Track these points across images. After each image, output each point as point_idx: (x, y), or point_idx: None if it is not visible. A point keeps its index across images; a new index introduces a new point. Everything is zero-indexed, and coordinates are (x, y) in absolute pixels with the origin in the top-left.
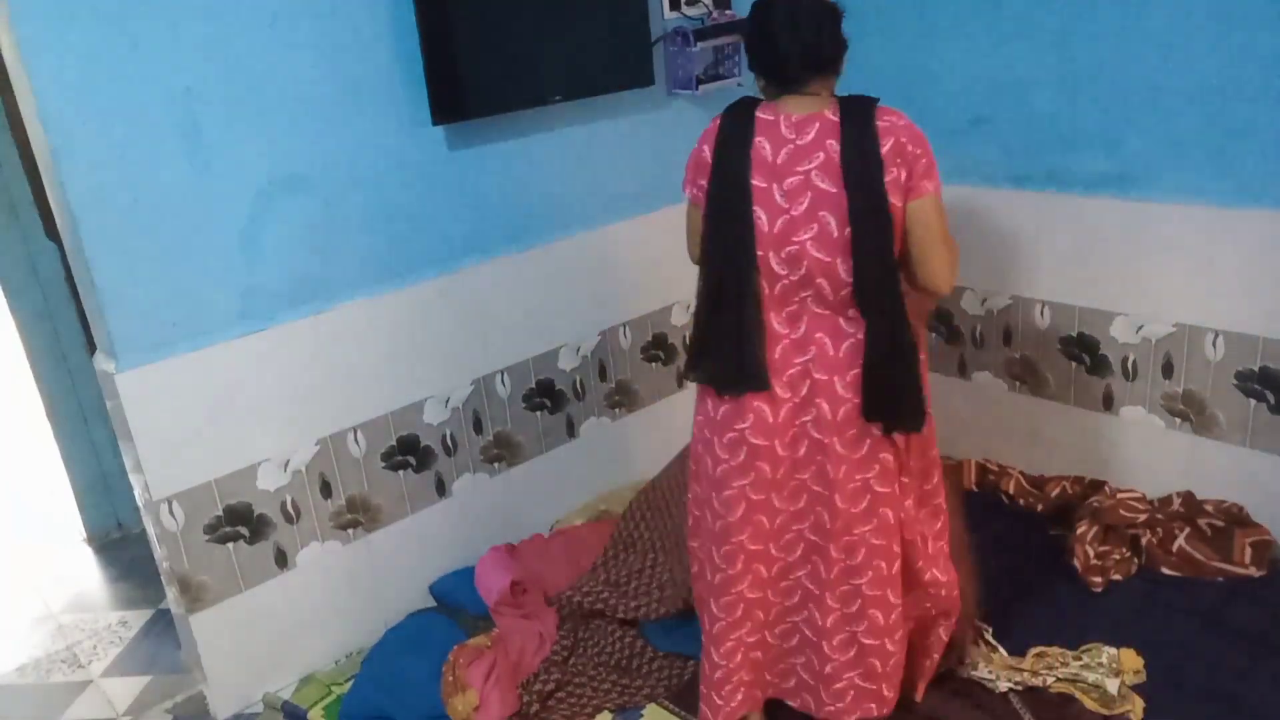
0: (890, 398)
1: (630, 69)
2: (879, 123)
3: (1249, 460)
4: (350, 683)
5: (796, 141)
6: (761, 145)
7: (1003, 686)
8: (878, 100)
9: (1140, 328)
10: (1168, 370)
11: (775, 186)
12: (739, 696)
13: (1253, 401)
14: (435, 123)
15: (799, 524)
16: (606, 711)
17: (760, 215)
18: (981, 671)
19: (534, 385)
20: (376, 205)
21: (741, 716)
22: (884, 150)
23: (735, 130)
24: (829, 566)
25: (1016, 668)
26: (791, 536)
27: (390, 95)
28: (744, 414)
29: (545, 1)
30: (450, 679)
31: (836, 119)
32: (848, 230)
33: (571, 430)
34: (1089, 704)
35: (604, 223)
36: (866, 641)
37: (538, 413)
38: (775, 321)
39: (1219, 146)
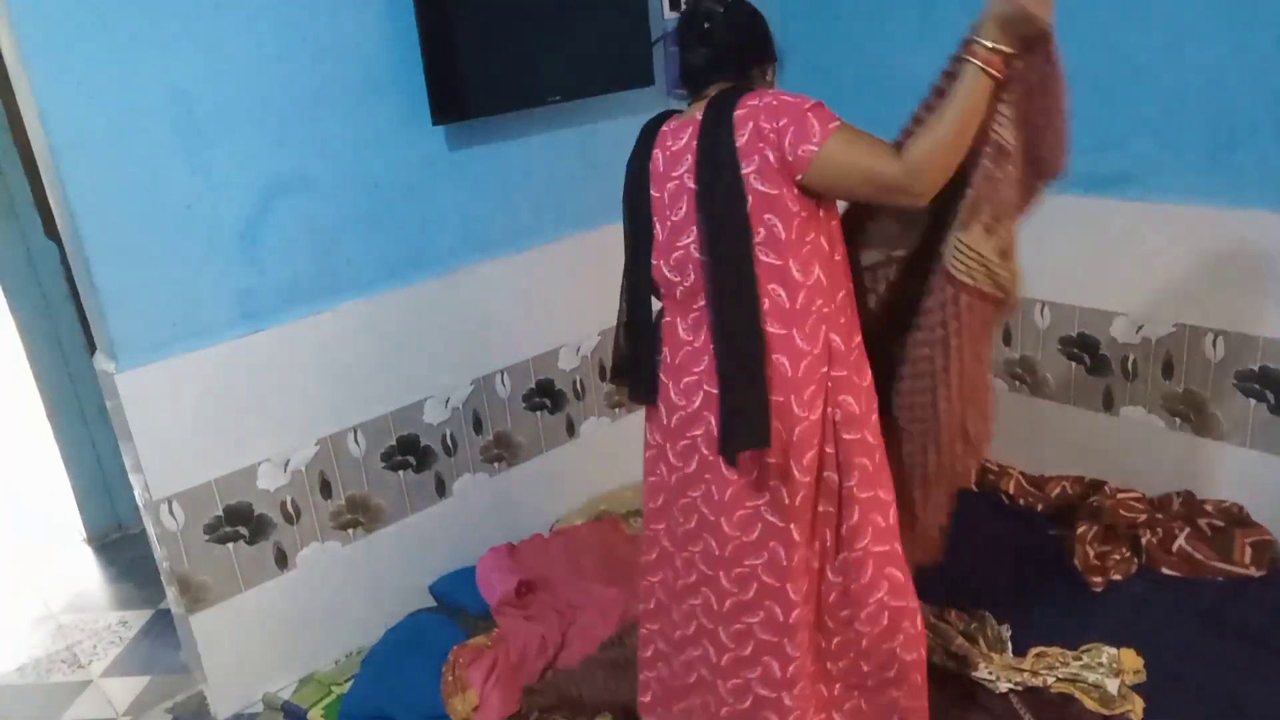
0: (724, 413)
1: (630, 69)
2: (737, 111)
3: (1249, 460)
4: (350, 683)
5: (672, 147)
6: (656, 157)
7: (1003, 687)
8: (746, 89)
9: (1140, 328)
10: (1168, 370)
11: (664, 194)
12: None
13: (1253, 401)
14: (435, 123)
15: (692, 546)
16: (607, 713)
17: (655, 224)
18: (982, 672)
19: (534, 385)
20: (376, 205)
21: None
22: (742, 141)
23: (639, 144)
24: (720, 599)
25: (1017, 668)
26: (686, 557)
27: (390, 95)
28: (651, 414)
29: (545, 1)
30: (450, 679)
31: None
32: None
33: (571, 430)
34: (1089, 704)
35: (604, 223)
36: (760, 692)
37: (538, 413)
38: (680, 327)
39: (1219, 146)
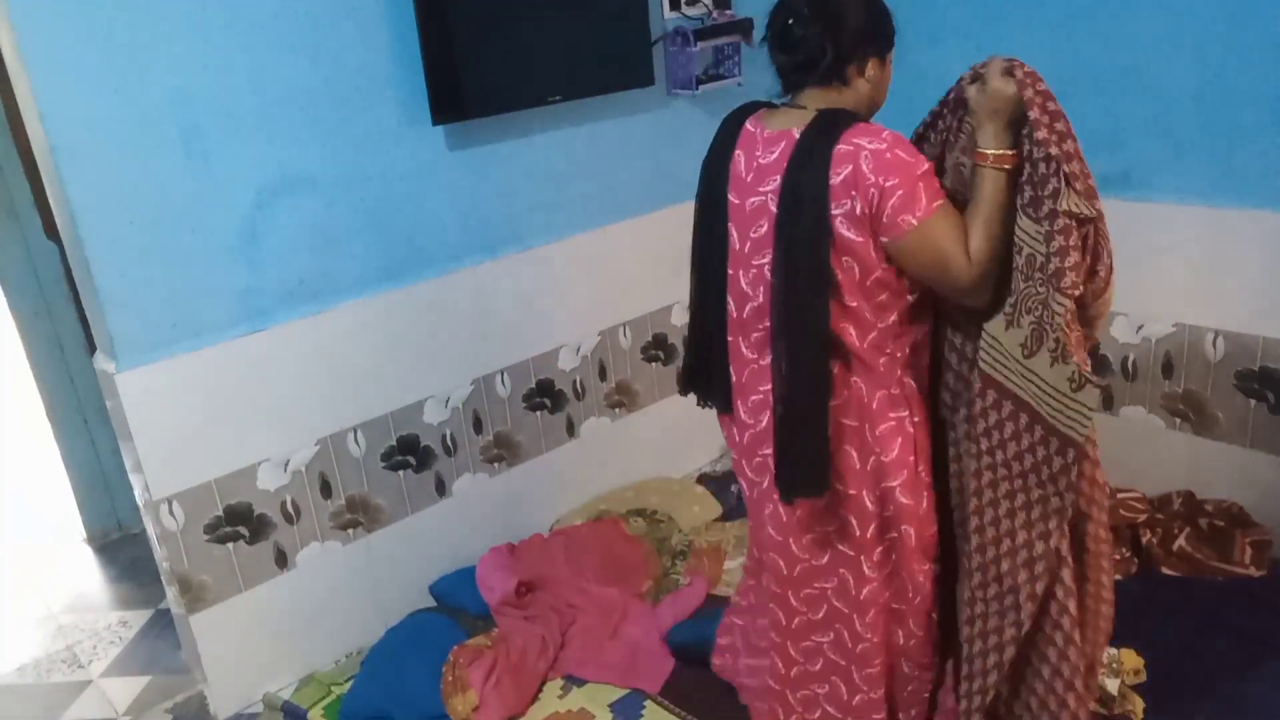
0: (779, 455)
1: (630, 69)
2: (840, 146)
3: (1249, 460)
4: (350, 683)
5: (761, 160)
6: (738, 159)
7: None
8: (855, 118)
9: (1140, 328)
10: (1168, 370)
11: (745, 205)
12: None
13: (1253, 401)
14: (435, 123)
15: (762, 571)
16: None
17: (733, 232)
18: None
19: (534, 385)
20: (377, 205)
21: None
22: (836, 180)
23: (720, 140)
24: (789, 616)
25: None
26: (755, 581)
27: (390, 95)
28: (724, 423)
29: (545, 1)
30: (450, 679)
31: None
32: None
33: (571, 430)
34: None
35: (604, 223)
36: (828, 709)
37: (538, 413)
38: (743, 345)
39: (1219, 147)
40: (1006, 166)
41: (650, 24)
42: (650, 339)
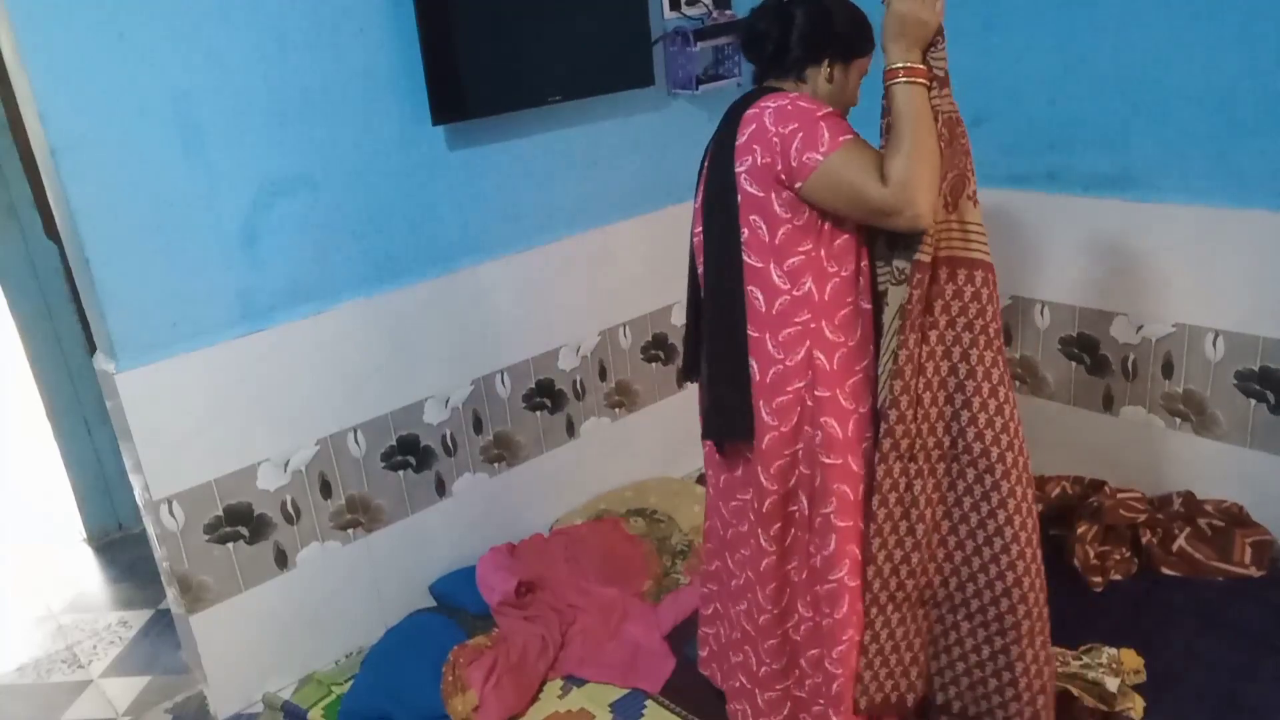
0: (710, 403)
1: (630, 69)
2: (749, 110)
3: (1249, 460)
4: (350, 683)
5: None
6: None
7: None
8: (772, 89)
9: (1140, 328)
10: (1168, 370)
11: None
12: None
13: (1253, 401)
14: (435, 123)
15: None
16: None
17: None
18: None
19: (534, 385)
20: (377, 205)
21: None
22: (741, 139)
23: (715, 132)
24: (729, 577)
25: None
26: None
27: (390, 95)
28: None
29: (545, 1)
30: (450, 679)
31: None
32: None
33: (571, 430)
34: (1089, 701)
35: (604, 223)
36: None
37: (538, 413)
38: None
39: (1219, 146)
40: (918, 80)
41: (650, 24)
42: (650, 339)
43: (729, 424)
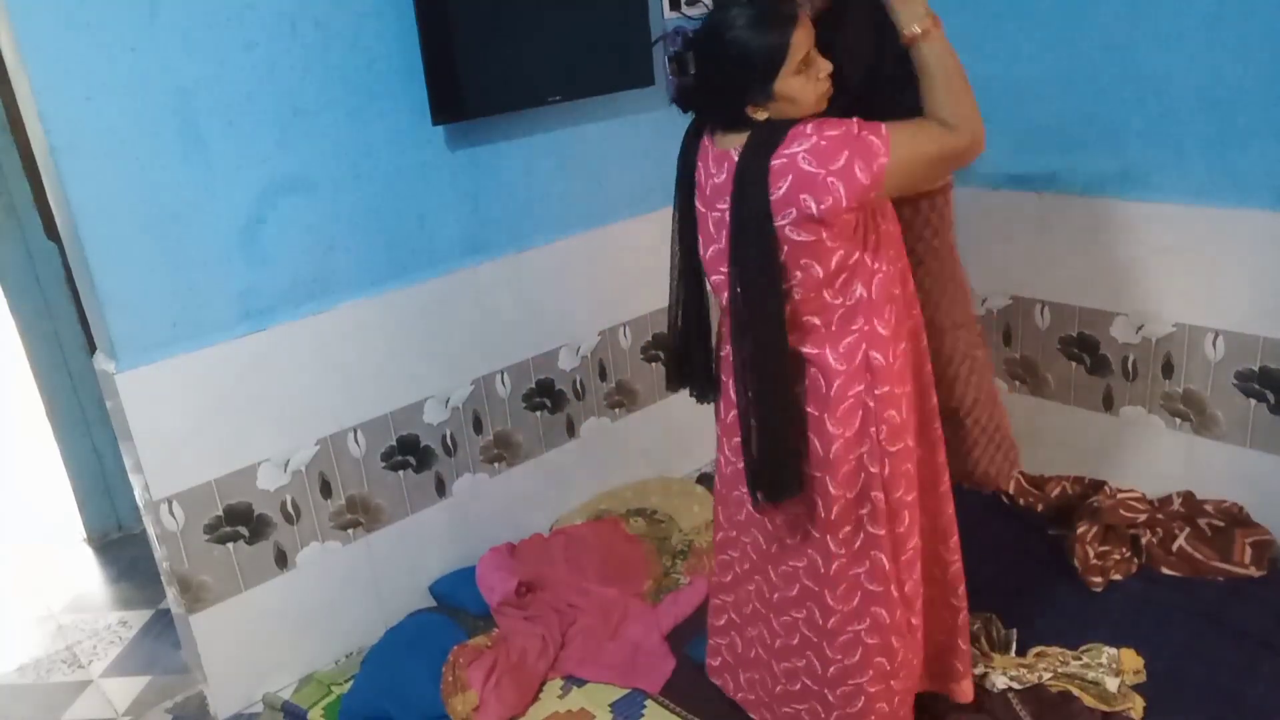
0: (752, 463)
1: (630, 69)
2: (774, 162)
3: (1249, 460)
4: (350, 683)
5: (715, 179)
6: (699, 170)
7: (1000, 683)
8: (782, 130)
9: (1140, 328)
10: (1168, 370)
11: (709, 218)
12: None
13: (1253, 401)
14: (435, 123)
15: (745, 537)
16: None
17: (701, 239)
18: (980, 669)
19: (534, 385)
20: (376, 205)
21: None
22: (777, 195)
23: (683, 152)
24: (770, 589)
25: (1016, 665)
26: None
27: (390, 95)
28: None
29: (545, 1)
30: (450, 679)
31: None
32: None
33: (571, 430)
34: (1088, 701)
35: (604, 223)
36: (806, 681)
37: (538, 413)
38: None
39: (1219, 146)
40: (935, 35)
41: (650, 24)
42: (650, 339)
43: (788, 482)
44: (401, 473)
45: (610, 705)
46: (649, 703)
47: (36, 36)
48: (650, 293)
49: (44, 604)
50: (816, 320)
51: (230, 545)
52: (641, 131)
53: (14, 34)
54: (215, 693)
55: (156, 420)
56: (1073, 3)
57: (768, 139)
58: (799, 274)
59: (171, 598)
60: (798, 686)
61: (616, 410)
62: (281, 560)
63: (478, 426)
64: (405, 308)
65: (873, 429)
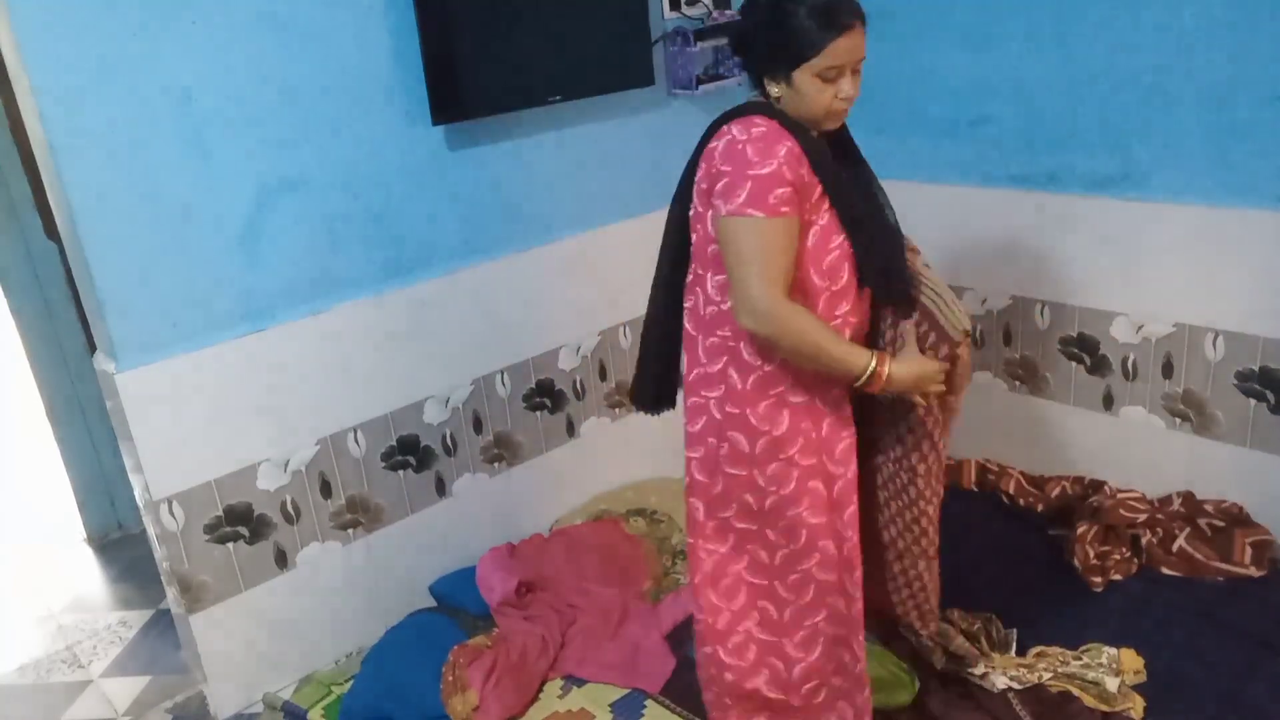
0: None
1: (630, 69)
2: (722, 127)
3: (1249, 460)
4: (350, 683)
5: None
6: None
7: (1000, 683)
8: (765, 110)
9: (1140, 328)
10: (1168, 370)
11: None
12: None
13: (1253, 401)
14: (435, 123)
15: None
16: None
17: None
18: (980, 669)
19: (534, 385)
20: (376, 205)
21: None
22: (701, 169)
23: (693, 156)
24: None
25: (1016, 665)
26: None
27: (390, 95)
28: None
29: (545, 1)
30: (450, 679)
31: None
32: None
33: (571, 430)
34: (1088, 700)
35: (604, 223)
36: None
37: (538, 413)
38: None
39: (1219, 146)
40: (874, 388)
41: (650, 24)
42: None
43: (659, 395)
44: (401, 473)
45: (610, 705)
46: (649, 703)
47: (36, 36)
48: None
49: (44, 604)
50: (700, 300)
51: (230, 545)
52: (641, 131)
53: (14, 34)
54: (215, 693)
55: (156, 420)
56: (1073, 3)
57: (742, 109)
58: (694, 237)
59: (171, 598)
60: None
61: (616, 410)
62: (281, 560)
63: (478, 426)
64: (405, 308)
65: (714, 439)
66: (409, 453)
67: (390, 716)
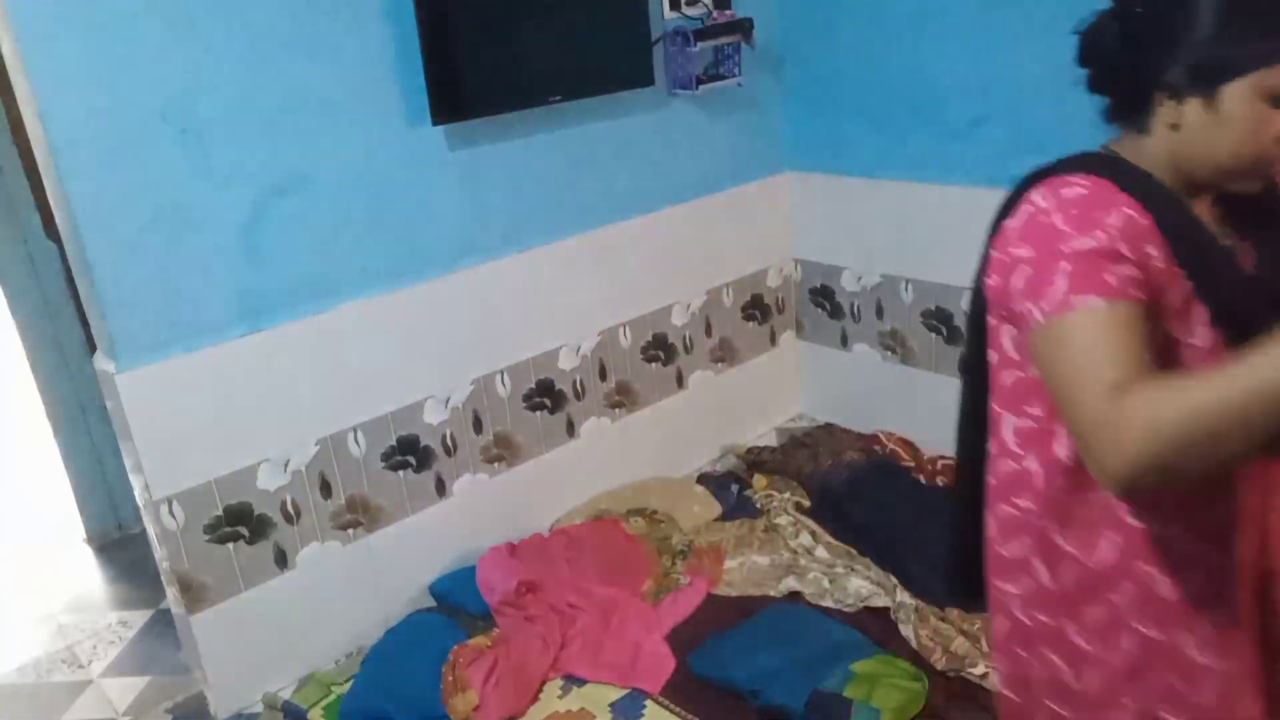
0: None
1: (630, 69)
2: (1021, 204)
3: None
4: (350, 683)
5: None
6: None
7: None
8: (1054, 170)
9: None
10: None
11: None
12: None
13: None
14: (435, 123)
15: None
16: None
17: None
18: (981, 669)
19: (534, 385)
20: (376, 205)
21: None
22: (992, 259)
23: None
24: None
25: None
26: None
27: (390, 95)
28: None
29: (545, 2)
30: (450, 679)
31: None
32: None
33: (571, 430)
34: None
35: (603, 223)
36: None
37: (538, 413)
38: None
39: None
40: None
41: (650, 24)
42: (650, 339)
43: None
44: (401, 473)
45: (610, 705)
46: (649, 703)
47: (36, 36)
48: (650, 293)
49: (44, 604)
50: (995, 438)
51: (230, 545)
52: (641, 131)
53: (14, 34)
54: (215, 693)
55: (156, 420)
56: (1073, 3)
57: (1059, 166)
58: (995, 357)
59: (171, 598)
60: None
61: (616, 410)
62: (281, 560)
63: (478, 426)
64: (405, 308)
65: (1018, 649)
66: (409, 453)
67: (390, 716)
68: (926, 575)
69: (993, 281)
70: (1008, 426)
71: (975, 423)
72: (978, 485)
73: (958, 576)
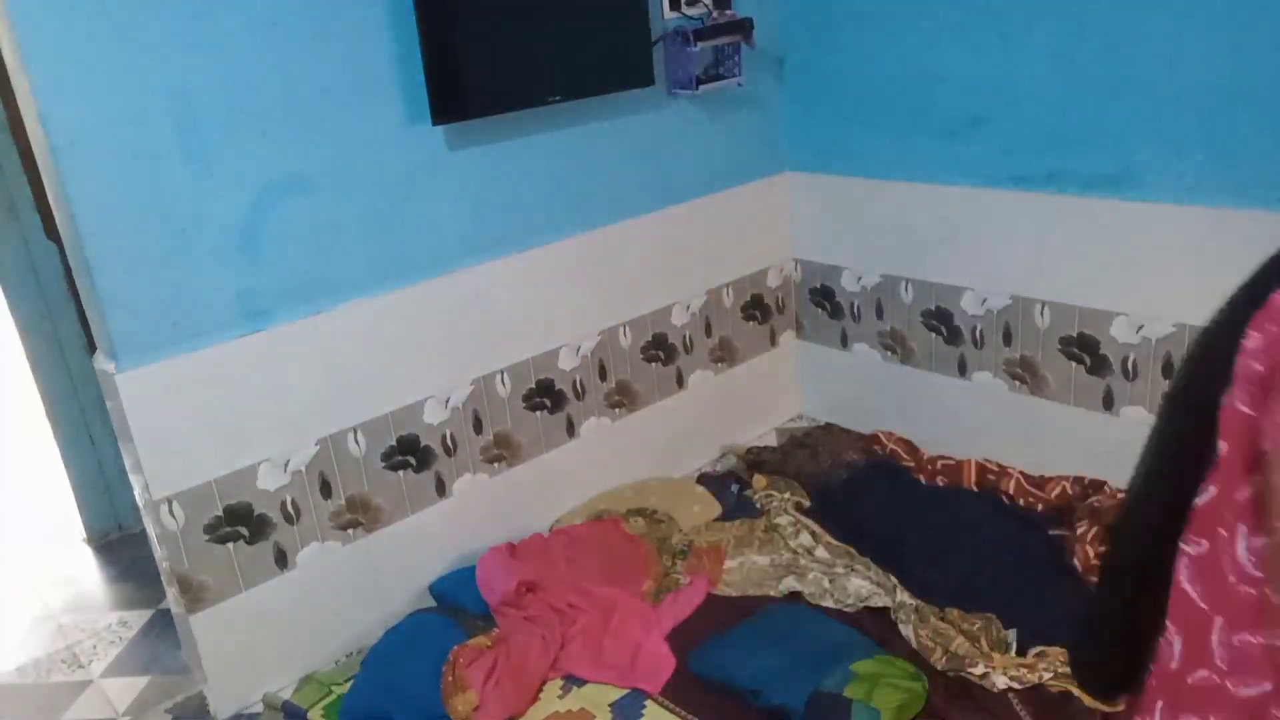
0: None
1: (630, 69)
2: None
3: None
4: (350, 683)
5: None
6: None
7: (1001, 683)
8: None
9: (1140, 328)
10: (1168, 370)
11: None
12: None
13: None
14: (435, 123)
15: None
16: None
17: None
18: (980, 669)
19: (534, 385)
20: (377, 205)
21: None
22: (1252, 337)
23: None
24: None
25: (1017, 665)
26: None
27: (390, 95)
28: None
29: (545, 1)
30: (450, 679)
31: None
32: None
33: (571, 430)
34: (1088, 701)
35: (603, 223)
36: None
37: (538, 413)
38: None
39: (1219, 146)
40: None
41: (650, 24)
42: (650, 339)
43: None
44: (401, 473)
45: (610, 705)
46: (649, 703)
47: (36, 36)
48: (650, 293)
49: (44, 604)
50: (1217, 549)
51: (230, 545)
52: (641, 132)
53: (14, 34)
54: (215, 693)
55: (156, 420)
56: (1073, 3)
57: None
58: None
59: (171, 598)
60: None
61: (616, 410)
62: (281, 560)
63: (478, 426)
64: (405, 308)
65: None
66: (409, 453)
67: (390, 716)
68: (926, 575)
69: (1257, 363)
70: (1242, 543)
71: (1164, 512)
72: (1155, 591)
73: (1127, 672)
